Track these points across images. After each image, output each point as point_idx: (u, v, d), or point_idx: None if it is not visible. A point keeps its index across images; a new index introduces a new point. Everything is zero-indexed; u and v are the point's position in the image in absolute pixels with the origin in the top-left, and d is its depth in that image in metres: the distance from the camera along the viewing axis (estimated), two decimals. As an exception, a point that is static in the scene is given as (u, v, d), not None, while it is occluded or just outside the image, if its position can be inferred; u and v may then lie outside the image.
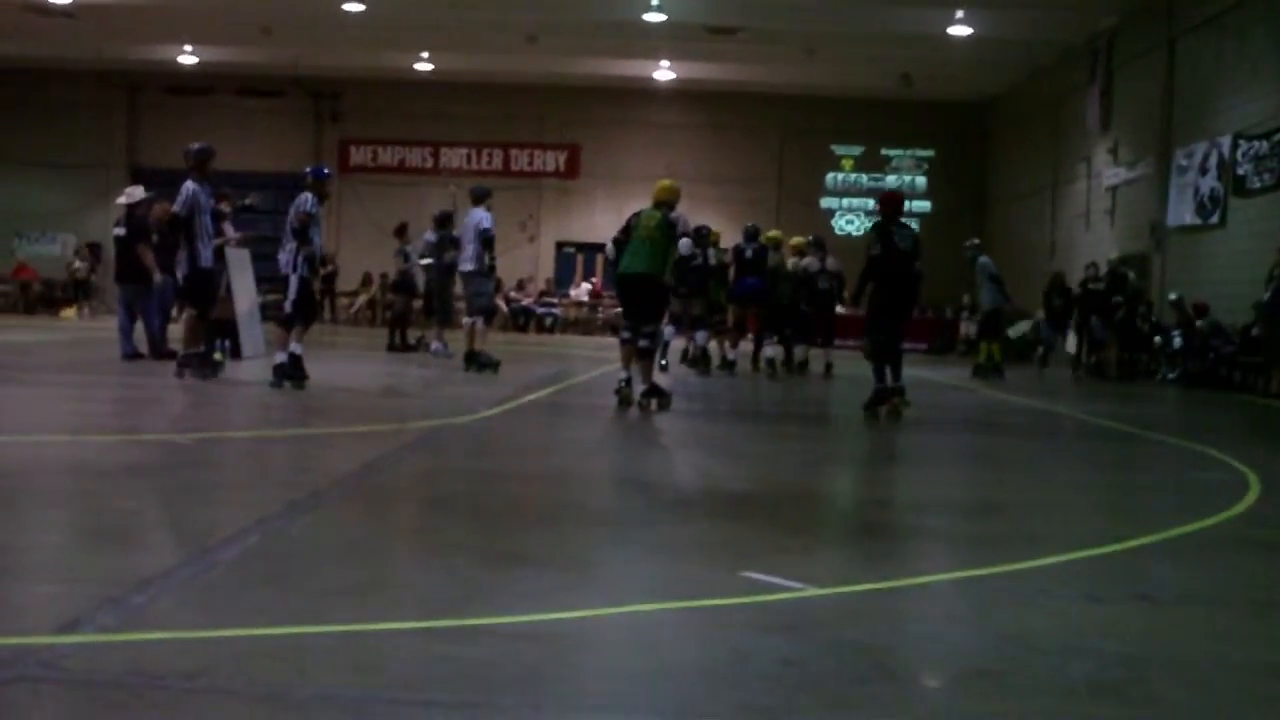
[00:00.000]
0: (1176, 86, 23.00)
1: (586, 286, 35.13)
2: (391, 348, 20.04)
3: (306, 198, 12.45)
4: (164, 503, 6.26)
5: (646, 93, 34.77)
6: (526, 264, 34.92)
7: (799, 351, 18.86)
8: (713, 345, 18.27)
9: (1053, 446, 11.65)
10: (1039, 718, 3.35)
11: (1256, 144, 19.76)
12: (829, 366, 18.33)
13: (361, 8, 26.79)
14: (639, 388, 11.65)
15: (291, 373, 12.11)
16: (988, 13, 25.74)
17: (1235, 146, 20.37)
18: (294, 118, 35.92)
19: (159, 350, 15.20)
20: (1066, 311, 23.13)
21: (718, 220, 23.64)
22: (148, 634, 3.66)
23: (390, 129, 35.65)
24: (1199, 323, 19.92)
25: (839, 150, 35.70)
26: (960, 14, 25.70)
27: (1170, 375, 20.64)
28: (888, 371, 12.01)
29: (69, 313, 31.97)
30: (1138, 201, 24.55)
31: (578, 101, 34.95)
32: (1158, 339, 21.24)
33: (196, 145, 13.00)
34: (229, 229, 15.02)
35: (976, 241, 21.47)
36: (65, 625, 3.66)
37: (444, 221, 18.56)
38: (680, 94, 34.79)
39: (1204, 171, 21.49)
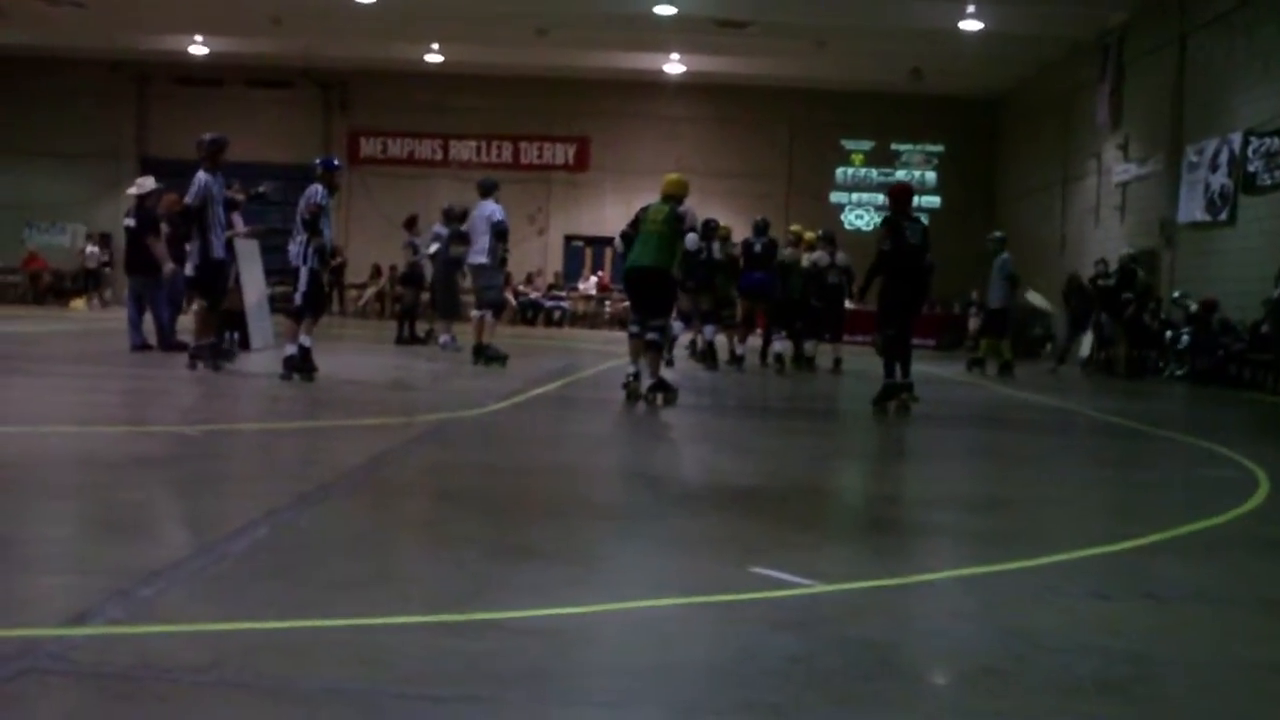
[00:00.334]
0: (1187, 83, 22.94)
1: (594, 280, 35.13)
2: (400, 340, 20.06)
3: (317, 189, 12.44)
4: (172, 495, 6.28)
5: (656, 86, 34.73)
6: (535, 257, 34.91)
7: (808, 347, 18.83)
8: (721, 340, 18.26)
9: (1061, 443, 11.64)
10: (1046, 715, 3.35)
11: (1267, 141, 19.71)
12: (838, 362, 18.32)
13: (371, -1, 26.81)
14: (647, 381, 11.66)
15: (301, 365, 12.11)
16: (998, 8, 25.68)
17: (1246, 143, 20.31)
18: (303, 109, 35.92)
19: (168, 342, 15.21)
20: (1085, 311, 22.89)
21: (727, 214, 23.63)
22: (156, 626, 3.67)
23: (400, 121, 35.64)
24: (1211, 318, 19.86)
25: (849, 145, 35.65)
26: (971, 9, 25.63)
27: (1178, 372, 20.61)
28: (897, 367, 12.01)
29: (78, 303, 32.03)
30: (1148, 198, 24.49)
31: (587, 94, 34.92)
32: (1169, 334, 21.14)
33: (209, 136, 12.98)
34: (238, 221, 15.01)
35: (1000, 235, 20.99)
36: (74, 617, 3.67)
37: (451, 214, 18.55)
38: (690, 87, 34.75)
39: (1214, 168, 21.43)
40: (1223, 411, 15.72)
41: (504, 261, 16.34)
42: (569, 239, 36.13)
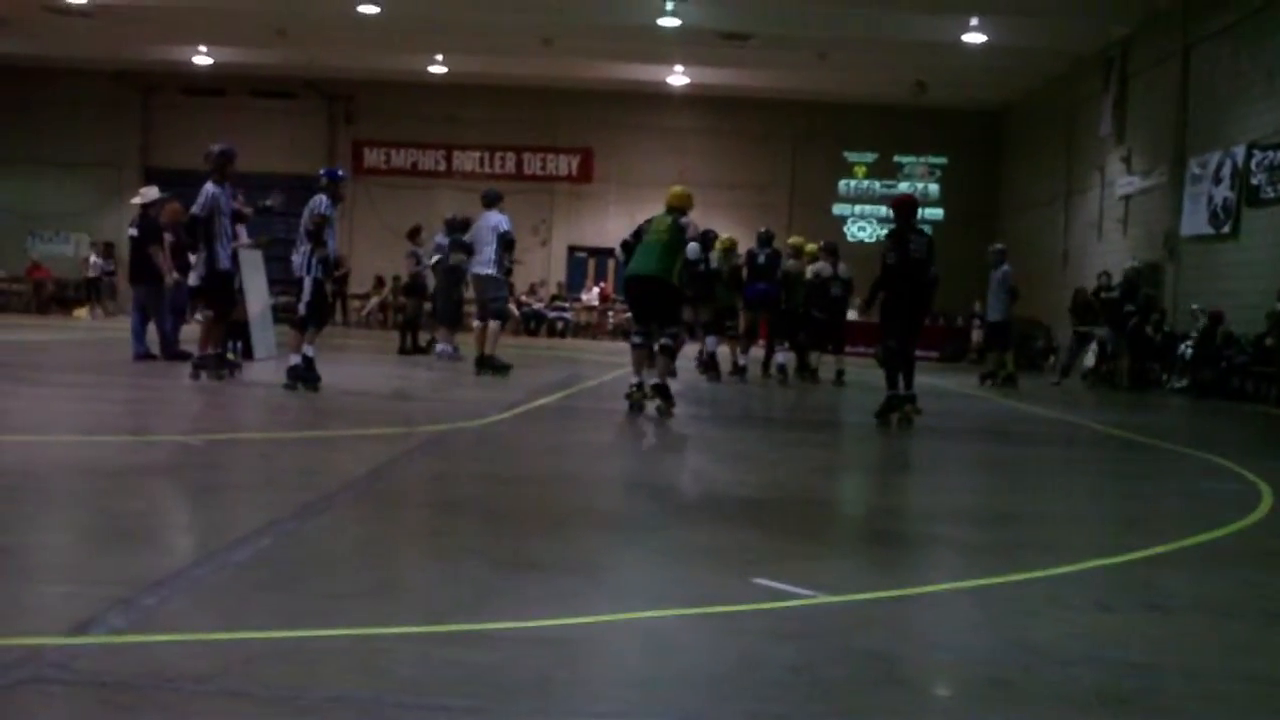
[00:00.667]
0: (1190, 96, 22.97)
1: (597, 290, 35.15)
2: (403, 350, 20.07)
3: (321, 199, 12.44)
4: (175, 504, 6.28)
5: (660, 97, 34.80)
6: (538, 268, 34.95)
7: (811, 358, 18.81)
8: (723, 350, 18.26)
9: (1064, 455, 11.63)
10: (1049, 728, 3.35)
11: (1271, 154, 19.72)
12: (840, 373, 18.31)
13: (376, 10, 26.85)
14: (651, 382, 11.68)
15: (305, 375, 12.12)
16: (1002, 21, 25.73)
17: (1249, 156, 20.33)
18: (307, 119, 36.00)
19: (170, 351, 15.21)
20: (1096, 323, 22.80)
21: (730, 226, 23.68)
22: (159, 636, 3.67)
23: (403, 131, 35.73)
24: (1208, 327, 19.83)
25: (852, 157, 35.70)
26: (974, 22, 25.70)
27: (1179, 385, 20.58)
28: (900, 379, 12.00)
29: (81, 312, 32.06)
30: (1151, 211, 24.50)
31: (591, 106, 34.98)
32: (1182, 347, 21.04)
33: (218, 147, 12.96)
34: (241, 233, 15.01)
35: (1000, 247, 20.98)
36: (77, 626, 3.66)
37: (453, 224, 18.55)
38: (693, 99, 34.81)
39: (1217, 181, 21.44)
40: (1226, 424, 15.71)
41: (509, 272, 16.30)
42: (572, 250, 36.18)
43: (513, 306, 28.42)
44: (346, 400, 11.96)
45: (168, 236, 15.40)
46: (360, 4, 26.59)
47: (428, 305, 20.31)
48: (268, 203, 14.51)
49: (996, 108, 34.57)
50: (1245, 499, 7.80)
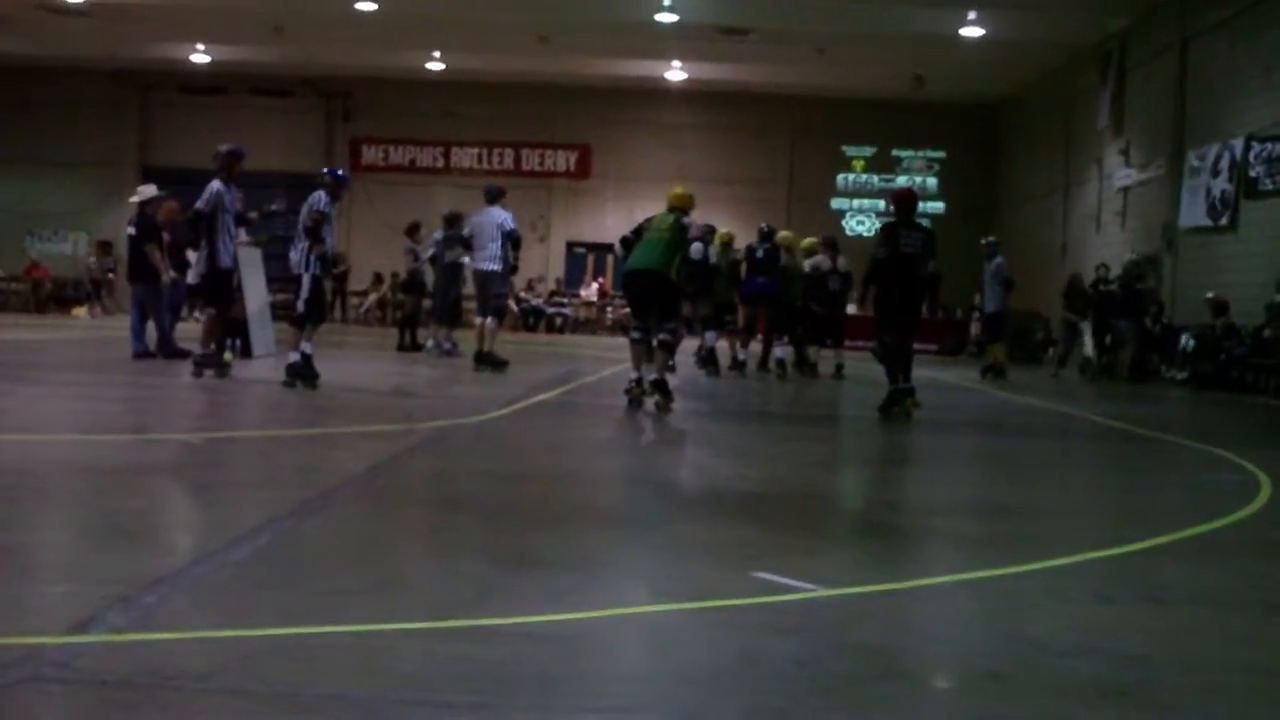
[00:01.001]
0: (1188, 88, 22.96)
1: (595, 286, 35.14)
2: (401, 348, 20.06)
3: (320, 196, 12.42)
4: (175, 502, 6.29)
5: (658, 93, 34.77)
6: (537, 264, 34.93)
7: (810, 352, 18.83)
8: (722, 345, 18.27)
9: (1063, 447, 11.64)
10: (1049, 719, 3.35)
11: (1269, 146, 19.72)
12: (839, 367, 18.31)
13: (373, 7, 26.84)
14: (650, 377, 11.69)
15: (303, 372, 12.12)
16: (999, 14, 25.72)
17: (1247, 148, 20.32)
18: (305, 117, 35.99)
19: (168, 349, 15.21)
20: (1084, 314, 22.88)
21: (729, 220, 23.64)
22: (159, 634, 3.67)
23: (401, 128, 35.71)
24: (1215, 321, 19.82)
25: (850, 151, 35.69)
26: (972, 15, 25.70)
27: (1180, 376, 20.59)
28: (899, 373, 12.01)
29: (79, 311, 32.05)
30: (1149, 203, 24.50)
31: (589, 102, 34.95)
32: (1184, 338, 21.04)
33: (226, 147, 12.98)
34: (240, 232, 15.00)
35: (993, 239, 21.14)
36: (77, 625, 3.67)
37: (452, 221, 18.53)
38: (691, 94, 34.78)
39: (1215, 173, 21.44)
40: (1225, 416, 15.71)
41: (514, 269, 16.28)
42: (570, 245, 36.17)
43: (511, 302, 28.43)
44: (345, 397, 11.97)
45: (165, 235, 15.41)
46: (358, 1, 26.57)
47: (427, 302, 20.30)
48: (272, 208, 14.51)
49: (994, 101, 34.55)
50: (1244, 490, 7.81)
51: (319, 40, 30.78)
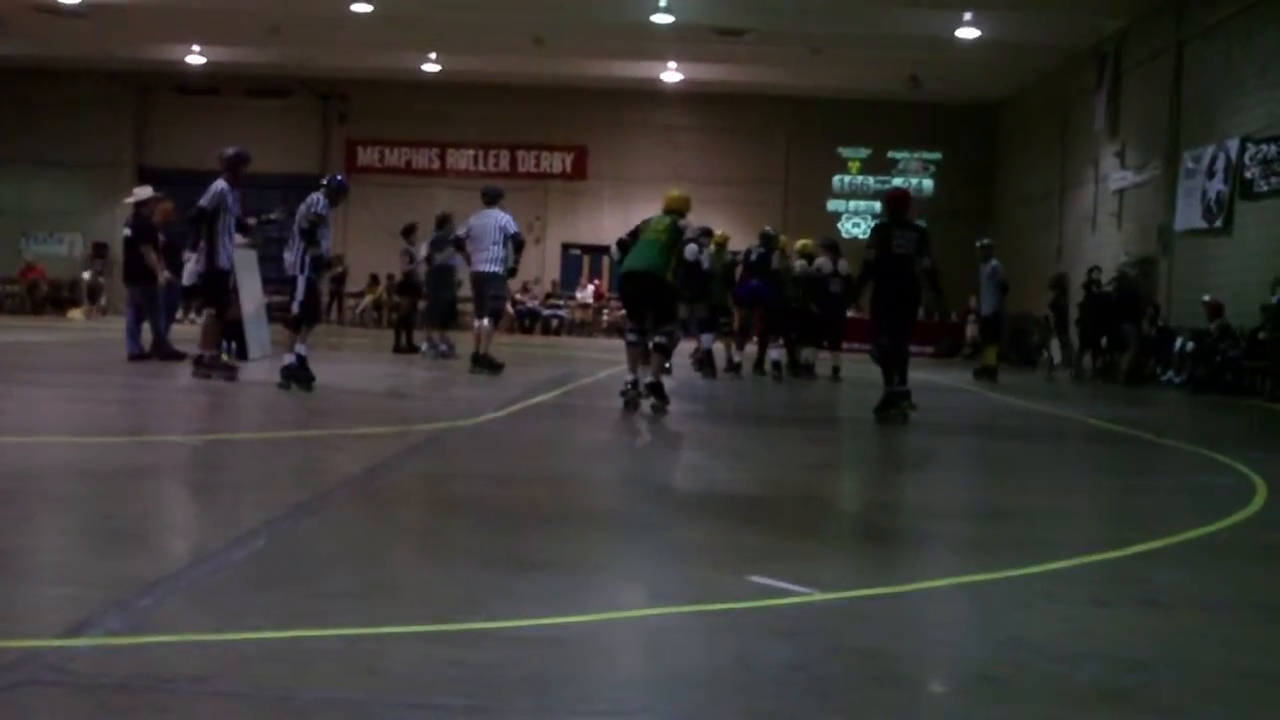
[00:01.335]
0: (1184, 90, 22.97)
1: (591, 288, 35.14)
2: (397, 349, 20.05)
3: (317, 198, 12.42)
4: (170, 505, 6.28)
5: (654, 94, 34.76)
6: (533, 266, 34.89)
7: (806, 354, 18.83)
8: (718, 348, 18.27)
9: (1059, 451, 11.64)
10: (1045, 724, 3.35)
11: (1264, 147, 19.73)
12: (836, 370, 18.32)
13: (369, 9, 26.82)
14: (646, 379, 11.69)
15: (298, 374, 12.11)
16: (995, 16, 25.74)
17: (1243, 150, 20.34)
18: (301, 118, 35.96)
19: (164, 350, 15.20)
20: (1064, 313, 22.92)
21: (724, 222, 23.64)
22: (154, 637, 3.66)
23: (397, 130, 35.68)
24: (1211, 325, 19.83)
25: (846, 152, 35.69)
26: (968, 17, 25.71)
27: (1175, 379, 20.60)
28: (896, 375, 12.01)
29: (75, 313, 32.01)
30: (1145, 205, 24.52)
31: (585, 103, 34.94)
32: (1180, 341, 21.04)
33: (231, 150, 12.99)
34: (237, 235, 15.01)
35: (988, 242, 21.18)
36: (73, 628, 3.66)
37: (442, 222, 18.51)
38: (687, 96, 34.78)
39: (1211, 175, 21.45)
40: (1221, 419, 15.72)
41: (513, 272, 16.24)
42: (566, 247, 36.15)
43: (507, 304, 28.42)
44: (341, 399, 11.96)
45: (160, 236, 15.39)
46: (353, 3, 26.55)
47: (422, 304, 20.30)
48: (271, 216, 14.49)
49: (990, 103, 34.55)
50: (1241, 493, 7.81)
51: (315, 42, 30.77)
